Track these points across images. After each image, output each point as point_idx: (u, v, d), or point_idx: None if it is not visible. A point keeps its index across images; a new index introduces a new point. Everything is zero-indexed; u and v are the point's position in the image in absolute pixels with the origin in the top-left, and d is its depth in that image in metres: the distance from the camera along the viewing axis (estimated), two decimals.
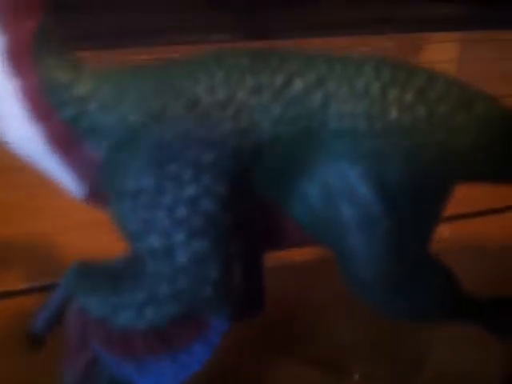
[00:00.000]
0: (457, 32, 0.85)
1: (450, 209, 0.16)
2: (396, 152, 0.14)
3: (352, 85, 0.14)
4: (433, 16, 0.98)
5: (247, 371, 0.19)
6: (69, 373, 0.16)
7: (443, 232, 0.25)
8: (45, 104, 0.14)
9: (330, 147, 0.14)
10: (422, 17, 0.95)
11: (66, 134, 0.14)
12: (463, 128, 0.15)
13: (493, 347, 0.19)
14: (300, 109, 0.14)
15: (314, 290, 0.23)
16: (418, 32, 0.83)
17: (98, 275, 0.16)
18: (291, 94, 0.14)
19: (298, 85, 0.14)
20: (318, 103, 0.14)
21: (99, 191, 0.15)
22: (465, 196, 0.19)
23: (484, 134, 0.15)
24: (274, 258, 0.18)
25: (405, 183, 0.14)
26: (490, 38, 0.80)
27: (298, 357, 0.20)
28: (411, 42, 0.78)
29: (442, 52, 0.76)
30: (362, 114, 0.14)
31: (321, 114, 0.14)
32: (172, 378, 0.16)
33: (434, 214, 0.15)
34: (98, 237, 0.16)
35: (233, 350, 0.19)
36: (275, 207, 0.15)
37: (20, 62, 0.13)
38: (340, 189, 0.14)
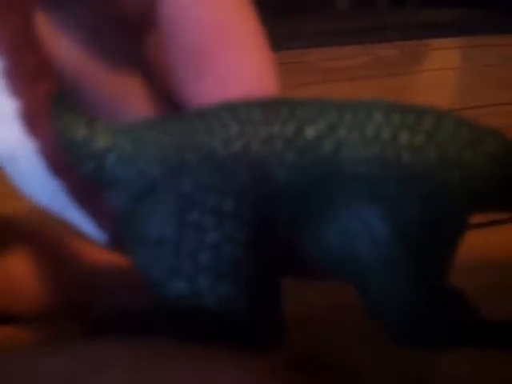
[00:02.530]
0: (458, 38, 0.84)
1: None
2: (411, 194, 0.14)
3: (363, 130, 0.14)
4: (434, 22, 0.97)
5: None
6: None
7: None
8: (64, 160, 0.14)
9: (346, 191, 0.14)
10: (424, 23, 0.95)
11: (86, 188, 0.14)
12: (473, 166, 0.15)
13: (493, 361, 0.19)
14: (313, 156, 0.14)
15: (322, 295, 0.23)
16: (420, 39, 0.82)
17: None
18: (303, 142, 0.14)
19: (310, 133, 0.14)
20: (330, 150, 0.14)
21: (120, 239, 0.15)
22: None
23: (494, 169, 0.15)
24: None
25: (422, 222, 0.14)
26: (492, 43, 0.80)
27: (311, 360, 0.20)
28: (414, 49, 0.78)
29: (443, 59, 0.76)
30: (374, 159, 0.14)
31: (334, 159, 0.14)
32: None
33: (453, 246, 0.15)
34: None
35: None
36: (294, 247, 0.15)
37: (38, 123, 0.13)
38: (358, 230, 0.14)
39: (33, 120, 0.13)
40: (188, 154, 0.14)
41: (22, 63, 0.13)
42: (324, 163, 0.14)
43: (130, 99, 0.17)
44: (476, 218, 0.16)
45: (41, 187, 0.14)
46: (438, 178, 0.14)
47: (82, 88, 0.15)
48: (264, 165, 0.14)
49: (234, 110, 0.15)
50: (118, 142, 0.14)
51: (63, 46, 0.15)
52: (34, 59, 0.13)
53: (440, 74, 0.67)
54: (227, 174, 0.14)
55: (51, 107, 0.14)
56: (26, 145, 0.14)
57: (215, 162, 0.14)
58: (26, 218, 0.18)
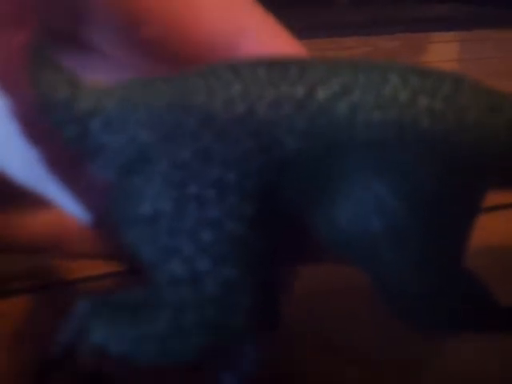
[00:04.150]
0: (457, 32, 0.84)
1: None
2: (427, 162, 0.13)
3: (379, 93, 0.13)
4: (433, 16, 0.97)
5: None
6: None
7: None
8: (43, 124, 0.12)
9: (358, 160, 0.13)
10: (424, 17, 0.95)
11: (68, 156, 0.13)
12: (494, 133, 0.14)
13: (493, 346, 0.18)
14: (325, 121, 0.13)
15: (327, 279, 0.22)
16: (420, 32, 0.82)
17: (114, 307, 0.14)
18: (314, 105, 0.13)
19: (321, 95, 0.13)
20: (344, 113, 0.13)
21: (107, 217, 0.13)
22: None
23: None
24: None
25: (436, 193, 0.13)
26: (489, 37, 0.80)
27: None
28: (414, 42, 0.78)
29: (443, 52, 0.76)
30: (391, 123, 0.13)
31: (347, 124, 0.13)
32: None
33: (468, 223, 0.14)
34: None
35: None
36: (300, 225, 0.14)
37: (13, 80, 0.12)
38: (369, 203, 0.13)
39: (7, 73, 0.12)
40: (184, 116, 0.13)
41: None
42: (337, 128, 0.13)
43: None
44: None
45: (15, 156, 0.12)
46: (456, 144, 0.13)
47: None
48: (271, 131, 0.13)
49: (236, 68, 0.13)
50: (103, 104, 0.13)
51: None
52: (12, 4, 0.11)
53: (439, 65, 0.66)
54: (230, 141, 0.13)
55: (29, 61, 0.12)
56: (1, 105, 0.12)
57: (216, 127, 0.13)
58: None
